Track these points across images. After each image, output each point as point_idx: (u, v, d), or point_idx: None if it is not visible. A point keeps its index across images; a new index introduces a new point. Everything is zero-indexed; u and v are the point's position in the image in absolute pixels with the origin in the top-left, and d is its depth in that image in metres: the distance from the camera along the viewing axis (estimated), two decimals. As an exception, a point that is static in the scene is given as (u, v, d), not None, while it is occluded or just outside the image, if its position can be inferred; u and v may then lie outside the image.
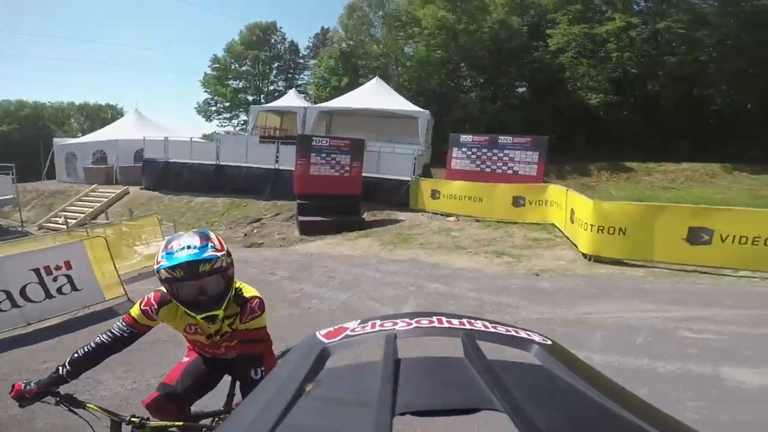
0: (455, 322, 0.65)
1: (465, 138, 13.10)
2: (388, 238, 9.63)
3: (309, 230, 10.51)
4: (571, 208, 8.28)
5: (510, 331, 0.65)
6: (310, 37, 38.97)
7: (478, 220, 10.96)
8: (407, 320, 0.65)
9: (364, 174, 11.84)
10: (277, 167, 13.93)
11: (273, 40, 36.21)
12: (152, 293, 1.83)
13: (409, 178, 12.91)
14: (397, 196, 12.82)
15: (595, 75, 22.02)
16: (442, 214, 11.81)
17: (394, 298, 5.74)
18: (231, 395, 2.19)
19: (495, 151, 12.42)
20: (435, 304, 5.42)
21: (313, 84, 32.03)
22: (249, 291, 1.91)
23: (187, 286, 1.63)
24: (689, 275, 6.28)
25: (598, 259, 7.08)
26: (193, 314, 1.68)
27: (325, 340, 0.62)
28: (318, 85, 30.63)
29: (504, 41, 24.03)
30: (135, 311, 1.81)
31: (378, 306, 5.46)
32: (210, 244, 1.65)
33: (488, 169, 12.40)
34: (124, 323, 1.80)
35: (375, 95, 18.02)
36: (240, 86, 35.80)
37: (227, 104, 35.75)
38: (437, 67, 25.66)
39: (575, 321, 4.80)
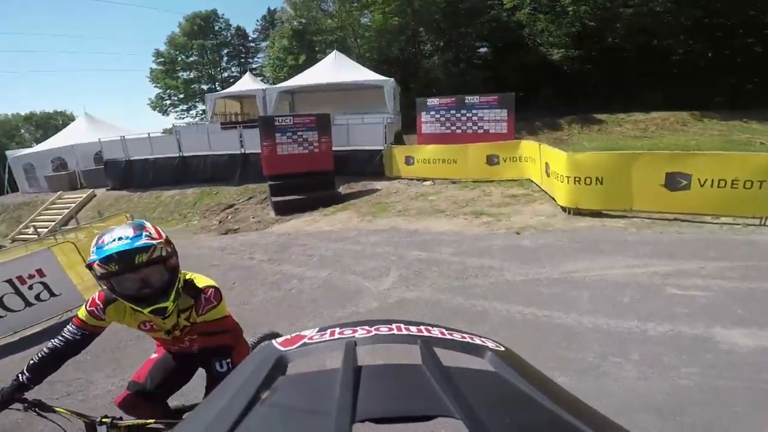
0: (413, 329, 0.66)
1: (432, 101, 13.01)
2: (366, 208, 9.57)
3: (284, 210, 10.42)
4: (546, 162, 8.30)
5: (465, 338, 0.66)
6: (257, 20, 38.53)
7: (454, 182, 10.98)
8: (367, 327, 0.66)
9: (334, 148, 11.71)
10: (243, 152, 13.87)
11: (217, 28, 35.37)
12: (97, 292, 1.73)
13: (381, 147, 12.86)
14: (371, 165, 12.84)
15: (554, 30, 21.82)
16: (418, 179, 11.79)
17: (376, 270, 5.71)
18: (209, 387, 2.17)
19: (463, 111, 12.40)
20: (418, 273, 5.41)
21: (269, 66, 31.48)
22: (202, 281, 1.81)
23: (126, 279, 1.52)
24: (671, 224, 6.32)
25: (577, 212, 7.13)
26: (139, 309, 1.59)
27: (282, 348, 0.61)
28: (274, 66, 29.93)
29: (459, 2, 23.52)
30: (82, 313, 1.71)
31: (360, 280, 5.42)
32: (144, 233, 1.54)
33: (459, 131, 12.41)
34: (74, 326, 1.70)
35: (336, 69, 17.78)
36: (191, 77, 35.30)
37: (181, 96, 35.14)
38: (396, 34, 25.09)
39: (561, 280, 4.80)
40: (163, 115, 36.35)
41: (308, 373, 0.57)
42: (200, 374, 2.18)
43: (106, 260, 1.45)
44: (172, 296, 1.62)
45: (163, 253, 1.56)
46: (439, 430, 2.49)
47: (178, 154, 14.52)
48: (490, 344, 0.65)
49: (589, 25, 21.09)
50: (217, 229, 10.40)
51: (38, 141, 29.31)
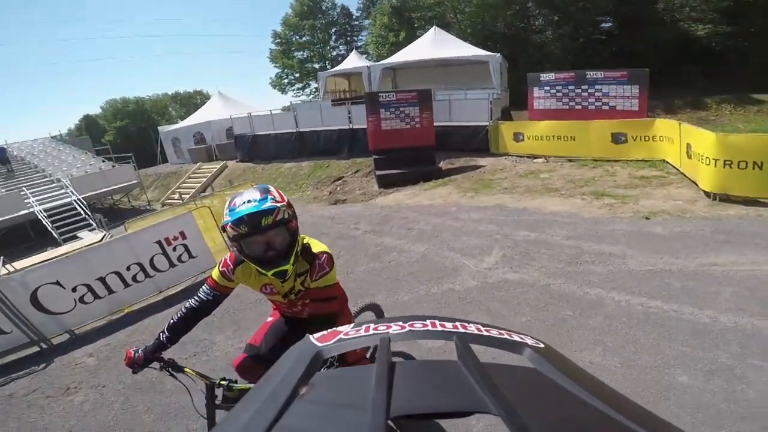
0: (448, 325, 0.66)
1: (546, 76, 11.95)
2: (468, 184, 9.24)
3: (387, 183, 10.69)
4: (687, 143, 7.13)
5: (503, 335, 0.65)
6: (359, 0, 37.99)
7: (570, 160, 9.98)
8: (401, 324, 0.66)
9: (436, 123, 11.54)
10: (351, 127, 14.41)
11: (324, 7, 36.31)
12: (228, 254, 1.88)
13: (486, 123, 12.27)
14: (474, 142, 12.36)
15: (697, 5, 18.23)
16: (528, 157, 10.99)
17: (476, 247, 5.47)
18: None
19: (584, 87, 11.19)
20: (524, 254, 5.05)
21: (372, 43, 31.67)
22: (317, 246, 1.87)
23: (253, 242, 1.63)
24: None
25: (725, 198, 6.01)
26: (263, 271, 1.69)
27: (319, 344, 0.62)
28: (377, 44, 30.20)
29: None
30: (215, 273, 1.87)
31: (459, 257, 5.25)
32: (269, 197, 1.62)
33: (578, 107, 11.23)
34: (207, 287, 1.87)
35: (436, 45, 17.29)
36: (305, 56, 36.73)
37: (297, 75, 36.97)
38: (501, 9, 23.05)
39: (697, 274, 4.08)
40: (282, 93, 39.05)
41: (345, 369, 0.58)
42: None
43: (236, 222, 1.56)
44: (292, 259, 1.69)
45: (286, 216, 1.64)
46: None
47: (295, 130, 15.69)
48: (529, 341, 0.64)
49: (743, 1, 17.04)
50: (327, 199, 11.10)
51: (182, 118, 33.55)
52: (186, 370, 1.81)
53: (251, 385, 1.84)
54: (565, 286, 4.19)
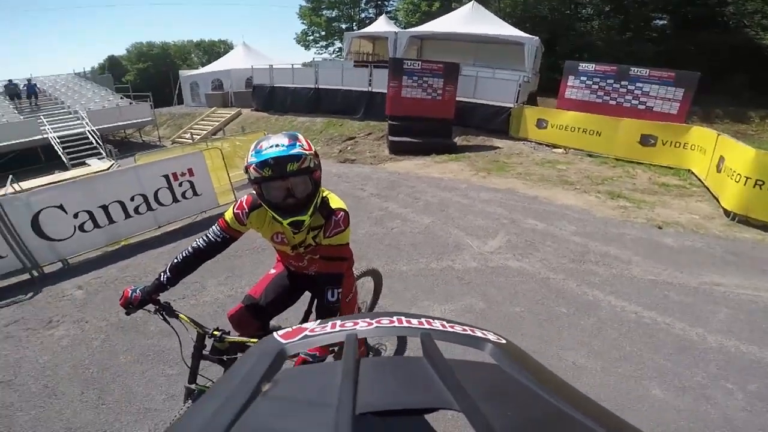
0: (414, 321, 0.66)
1: (585, 66, 11.32)
2: (481, 164, 9.06)
3: (399, 150, 10.54)
4: (720, 155, 6.82)
5: (466, 331, 0.66)
6: None
7: (591, 155, 9.69)
8: (368, 320, 0.66)
9: (458, 98, 11.24)
10: (370, 90, 14.17)
11: None
12: (245, 197, 1.79)
13: (511, 105, 11.90)
14: (494, 122, 12.04)
15: None
16: (548, 145, 10.69)
17: (482, 228, 5.38)
18: (308, 312, 2.19)
19: (624, 83, 10.55)
20: (529, 243, 4.96)
21: (402, 10, 30.73)
22: (336, 202, 1.78)
23: (274, 187, 1.55)
24: None
25: (744, 220, 5.79)
26: (280, 219, 1.61)
27: (283, 341, 0.62)
28: (407, 11, 29.24)
29: None
30: (228, 215, 1.79)
31: (463, 235, 5.18)
32: (298, 143, 1.54)
33: (613, 102, 10.70)
34: (218, 228, 1.80)
35: (472, 20, 16.52)
36: (333, 15, 36.20)
37: (323, 33, 36.51)
38: None
39: (698, 290, 4.00)
40: (305, 49, 38.49)
41: (309, 365, 0.57)
42: (302, 298, 2.24)
43: (261, 165, 1.48)
44: (310, 211, 1.61)
45: (311, 165, 1.56)
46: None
47: (314, 86, 15.48)
48: (492, 337, 0.64)
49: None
50: (336, 157, 10.97)
51: (203, 64, 33.59)
52: (180, 316, 1.75)
53: (243, 339, 1.78)
54: (564, 283, 4.12)
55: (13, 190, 7.04)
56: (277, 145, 1.50)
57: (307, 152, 1.53)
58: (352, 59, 19.34)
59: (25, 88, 18.16)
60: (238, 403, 0.45)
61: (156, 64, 44.21)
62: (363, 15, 35.84)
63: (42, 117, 15.71)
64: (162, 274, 1.76)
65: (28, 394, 2.81)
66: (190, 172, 5.75)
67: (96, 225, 4.96)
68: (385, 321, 0.66)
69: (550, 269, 4.37)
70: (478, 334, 0.65)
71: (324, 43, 37.30)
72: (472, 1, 18.06)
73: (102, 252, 5.03)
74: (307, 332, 0.65)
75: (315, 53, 37.63)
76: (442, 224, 5.53)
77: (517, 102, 11.99)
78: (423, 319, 0.67)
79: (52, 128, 15.00)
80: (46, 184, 6.83)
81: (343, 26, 34.73)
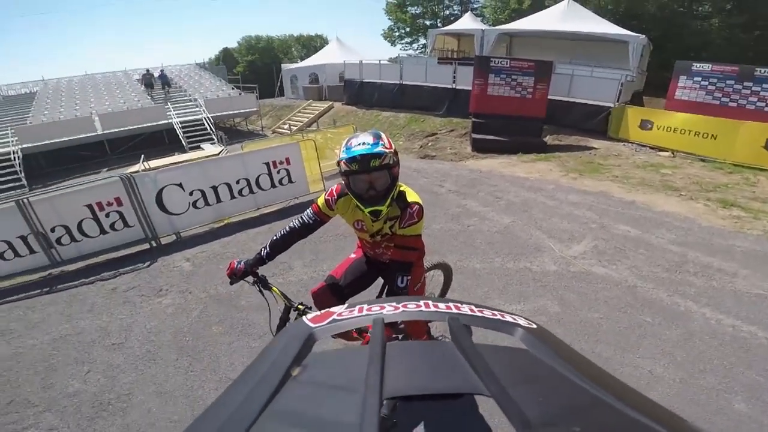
0: (442, 306, 0.65)
1: (700, 66, 10.12)
2: (572, 164, 8.51)
3: (482, 148, 10.31)
4: None
5: (496, 315, 0.64)
6: None
7: (704, 160, 8.60)
8: (395, 304, 0.65)
9: (551, 96, 10.68)
10: (454, 87, 14.05)
11: None
12: (334, 186, 2.05)
13: (611, 104, 10.99)
14: (591, 122, 11.25)
15: None
16: (651, 147, 9.68)
17: (566, 232, 5.12)
18: (380, 296, 2.37)
19: (747, 84, 9.29)
20: (618, 250, 4.61)
21: (490, 7, 29.39)
22: (411, 196, 1.96)
23: (359, 179, 1.78)
24: None
25: None
26: (362, 208, 1.83)
27: (312, 325, 0.62)
28: (495, 8, 27.89)
29: None
30: (320, 200, 2.07)
31: (545, 238, 4.98)
32: (380, 142, 1.75)
33: (733, 104, 9.46)
34: (311, 211, 2.09)
35: (567, 18, 15.48)
36: (418, 12, 36.25)
37: (408, 30, 36.79)
38: None
39: None
40: (391, 45, 39.40)
41: (338, 350, 0.57)
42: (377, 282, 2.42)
43: (350, 160, 1.72)
44: (388, 202, 1.82)
45: (391, 162, 1.77)
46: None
47: (398, 82, 15.80)
48: (522, 322, 0.63)
49: None
50: (417, 152, 11.09)
51: (302, 58, 35.80)
52: (273, 288, 2.01)
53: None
54: (653, 292, 3.80)
55: (144, 168, 8.29)
56: (363, 143, 1.71)
57: (387, 150, 1.73)
58: (437, 56, 19.28)
59: (160, 78, 20.47)
60: (270, 388, 0.45)
61: (262, 57, 47.64)
62: (447, 12, 35.35)
63: (169, 104, 17.99)
64: (263, 249, 2.06)
65: (132, 357, 3.22)
66: (287, 161, 6.26)
67: (206, 203, 5.69)
68: (411, 306, 0.65)
69: (639, 277, 4.06)
70: (508, 318, 0.64)
71: (409, 40, 37.57)
72: None
73: (209, 228, 5.76)
74: (335, 316, 0.65)
75: (400, 49, 38.15)
76: (522, 225, 5.38)
77: (618, 101, 11.05)
78: (451, 304, 0.67)
79: (176, 113, 17.09)
80: (169, 164, 7.96)
81: (428, 23, 34.79)
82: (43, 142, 14.54)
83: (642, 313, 3.50)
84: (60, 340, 3.55)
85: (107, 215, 5.03)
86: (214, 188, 5.71)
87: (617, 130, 10.64)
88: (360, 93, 17.34)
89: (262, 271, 2.06)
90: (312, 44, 50.16)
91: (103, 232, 5.05)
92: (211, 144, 15.36)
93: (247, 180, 5.97)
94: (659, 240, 4.89)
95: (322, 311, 0.70)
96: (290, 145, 6.47)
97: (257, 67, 44.31)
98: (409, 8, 36.01)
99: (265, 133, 18.38)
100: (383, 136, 1.79)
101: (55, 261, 4.88)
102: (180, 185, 5.42)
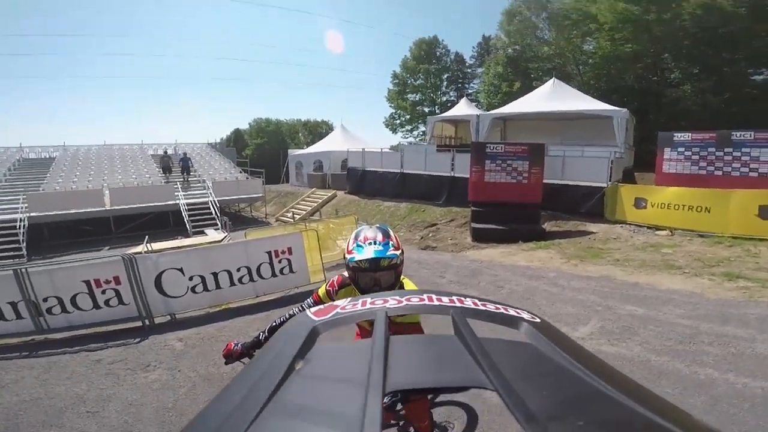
0: (445, 299, 0.64)
1: (680, 136, 10.47)
2: (573, 251, 8.52)
3: (482, 238, 10.28)
4: None
5: (499, 309, 0.63)
6: (473, 47, 38.60)
7: (702, 235, 8.67)
8: (397, 298, 0.65)
9: (545, 180, 10.90)
10: (453, 175, 14.23)
11: (438, 53, 37.56)
12: (336, 276, 2.12)
13: (603, 184, 11.16)
14: (587, 204, 11.27)
15: None
16: (648, 227, 9.79)
17: (571, 315, 5.01)
18: None
19: (728, 150, 9.53)
20: (626, 328, 4.48)
21: (483, 92, 31.62)
22: (409, 285, 2.02)
23: (366, 275, 1.85)
24: None
25: None
26: None
27: (316, 318, 0.62)
28: (488, 93, 30.02)
29: (716, 27, 18.38)
30: (321, 290, 2.13)
31: (551, 323, 4.82)
32: (391, 243, 1.85)
33: (718, 172, 9.63)
34: (312, 300, 2.13)
35: (554, 98, 16.51)
36: (417, 99, 38.15)
37: (408, 117, 38.59)
38: (629, 62, 21.49)
39: None
40: (392, 133, 41.04)
41: (340, 344, 0.57)
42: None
43: (360, 261, 1.81)
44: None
45: (398, 262, 1.87)
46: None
47: (399, 170, 16.26)
48: (526, 315, 0.61)
49: None
50: (418, 243, 11.19)
51: (308, 144, 36.96)
52: None
53: None
54: (669, 364, 3.66)
55: (146, 250, 8.39)
56: (375, 243, 1.81)
57: (397, 252, 1.83)
58: (435, 143, 20.11)
59: (181, 162, 19.66)
60: (273, 382, 0.46)
61: (270, 141, 49.59)
62: (444, 98, 37.37)
63: (178, 183, 18.31)
64: (261, 333, 2.05)
65: (107, 427, 3.10)
66: (289, 250, 6.29)
67: (205, 288, 5.67)
68: (415, 299, 0.65)
69: (651, 352, 3.93)
70: (512, 312, 0.63)
71: (409, 127, 39.28)
72: (553, 78, 18.14)
73: (205, 312, 5.68)
74: (338, 309, 0.65)
75: (401, 137, 39.84)
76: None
77: (610, 180, 11.24)
78: (454, 297, 0.66)
79: (183, 194, 17.35)
80: (172, 248, 8.05)
81: (426, 109, 36.42)
82: (50, 213, 14.80)
83: (660, 384, 3.35)
84: (30, 402, 3.39)
85: (103, 292, 5.07)
86: (215, 274, 5.72)
87: (613, 211, 10.76)
88: (362, 181, 17.78)
89: None
90: (318, 130, 52.16)
91: (96, 306, 5.05)
92: (215, 230, 15.51)
93: (248, 268, 5.99)
94: (668, 316, 4.79)
95: (326, 305, 0.70)
96: (293, 235, 6.58)
97: (265, 150, 45.84)
98: (408, 95, 38.05)
99: (269, 221, 18.79)
100: (392, 234, 1.89)
101: (42, 328, 4.84)
102: (180, 270, 5.47)
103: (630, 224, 10.20)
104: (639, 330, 4.42)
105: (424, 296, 0.66)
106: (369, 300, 0.66)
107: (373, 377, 0.43)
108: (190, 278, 5.53)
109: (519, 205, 10.46)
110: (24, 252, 13.13)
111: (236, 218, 19.00)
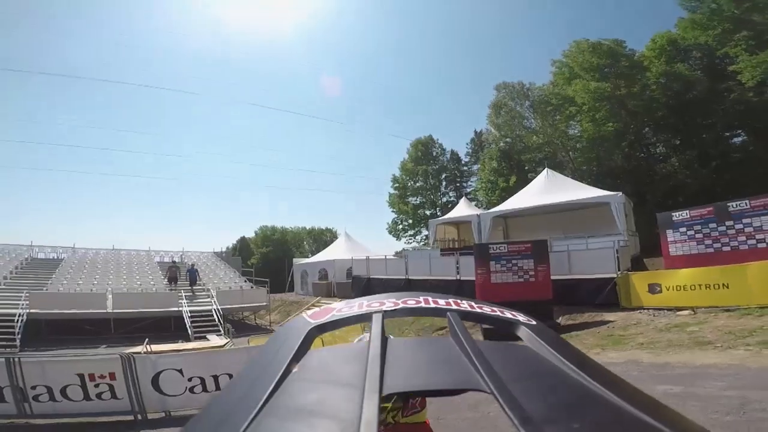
0: (441, 302, 0.64)
1: (679, 215, 10.34)
2: (593, 340, 8.10)
3: (493, 337, 9.68)
4: None
5: (495, 312, 0.63)
6: (466, 144, 38.77)
7: (727, 310, 8.24)
8: (394, 300, 0.65)
9: (554, 276, 10.57)
10: (458, 278, 13.94)
11: (434, 153, 37.78)
12: None
13: (613, 275, 10.84)
14: (600, 296, 10.77)
15: None
16: (668, 309, 9.32)
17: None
18: None
19: (728, 223, 9.28)
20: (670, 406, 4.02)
21: (481, 189, 31.46)
22: None
23: None
24: None
25: None
26: None
27: (312, 321, 0.63)
28: (486, 189, 29.85)
29: (683, 93, 19.65)
30: None
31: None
32: None
33: (726, 248, 9.28)
34: None
35: (549, 189, 16.52)
36: (418, 202, 37.66)
37: (410, 221, 37.58)
38: (614, 141, 22.13)
39: None
40: (396, 239, 39.01)
41: (337, 346, 0.58)
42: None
43: None
44: (393, 399, 1.82)
45: None
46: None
47: (404, 276, 15.89)
48: (522, 318, 0.61)
49: None
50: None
51: (313, 252, 36.66)
52: None
53: None
54: None
55: (146, 351, 8.10)
56: None
57: None
58: (439, 246, 19.98)
59: (188, 273, 19.69)
60: (269, 384, 0.45)
61: (275, 249, 48.99)
62: (444, 199, 36.75)
63: (181, 291, 18.04)
64: None
65: None
66: None
67: (204, 389, 5.41)
68: (411, 301, 0.64)
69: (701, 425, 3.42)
70: (508, 315, 0.63)
71: (412, 231, 37.72)
72: (545, 169, 18.29)
73: (203, 412, 5.25)
74: (335, 312, 0.64)
75: (404, 242, 38.28)
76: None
77: (619, 270, 10.94)
78: (451, 300, 0.66)
79: (186, 302, 17.04)
80: (171, 350, 7.79)
81: (428, 212, 35.77)
82: (50, 311, 14.54)
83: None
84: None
85: (96, 385, 4.96)
86: (215, 377, 5.52)
87: (629, 299, 10.32)
88: (367, 290, 17.25)
89: None
90: (323, 238, 51.83)
91: (87, 398, 4.90)
92: (218, 335, 15.07)
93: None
94: (709, 390, 4.36)
95: (322, 307, 0.69)
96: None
97: (270, 259, 45.50)
98: (409, 199, 37.25)
99: (273, 329, 18.16)
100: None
101: (24, 413, 4.72)
102: (180, 371, 5.35)
103: (647, 309, 9.72)
104: (678, 407, 3.90)
105: (421, 298, 0.66)
106: (366, 302, 0.66)
107: (370, 380, 0.42)
108: (189, 379, 5.39)
109: (529, 303, 9.90)
110: (17, 343, 12.87)
111: (240, 326, 18.53)
